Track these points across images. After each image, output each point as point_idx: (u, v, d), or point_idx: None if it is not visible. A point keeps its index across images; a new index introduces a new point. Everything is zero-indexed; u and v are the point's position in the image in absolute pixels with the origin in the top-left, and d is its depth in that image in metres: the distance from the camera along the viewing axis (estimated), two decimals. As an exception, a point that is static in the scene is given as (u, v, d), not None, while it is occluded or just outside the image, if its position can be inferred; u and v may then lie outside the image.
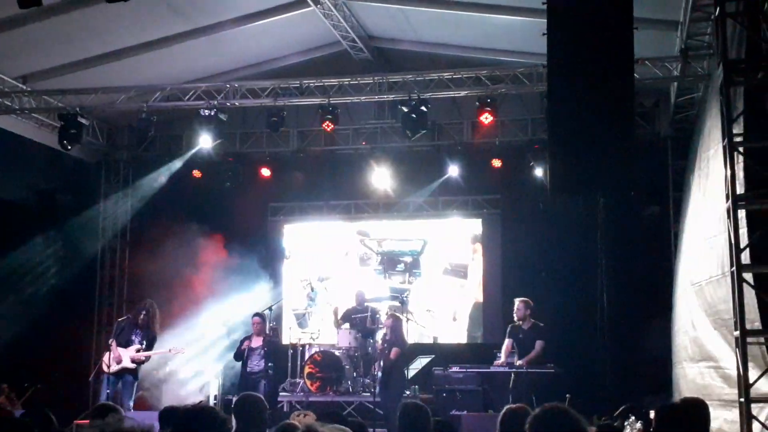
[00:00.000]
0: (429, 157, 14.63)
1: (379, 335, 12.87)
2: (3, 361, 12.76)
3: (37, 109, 13.34)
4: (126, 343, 11.31)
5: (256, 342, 12.16)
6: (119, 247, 15.40)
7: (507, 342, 11.56)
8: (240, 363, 12.25)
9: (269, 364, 12.11)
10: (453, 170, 14.23)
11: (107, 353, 11.27)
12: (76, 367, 13.04)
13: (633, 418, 8.54)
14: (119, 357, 11.16)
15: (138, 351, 11.27)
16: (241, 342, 12.34)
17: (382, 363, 11.90)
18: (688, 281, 10.43)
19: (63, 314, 13.58)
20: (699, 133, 10.98)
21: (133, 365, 11.24)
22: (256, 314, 12.49)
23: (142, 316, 11.46)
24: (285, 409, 12.36)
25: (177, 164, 14.75)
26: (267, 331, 12.56)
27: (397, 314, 12.59)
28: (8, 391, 12.00)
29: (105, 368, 11.19)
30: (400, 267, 15.49)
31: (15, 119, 13.41)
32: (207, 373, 13.49)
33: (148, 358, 11.52)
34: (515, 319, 11.52)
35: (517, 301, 11.62)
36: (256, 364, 12.05)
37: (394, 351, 11.92)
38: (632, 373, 12.94)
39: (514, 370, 11.16)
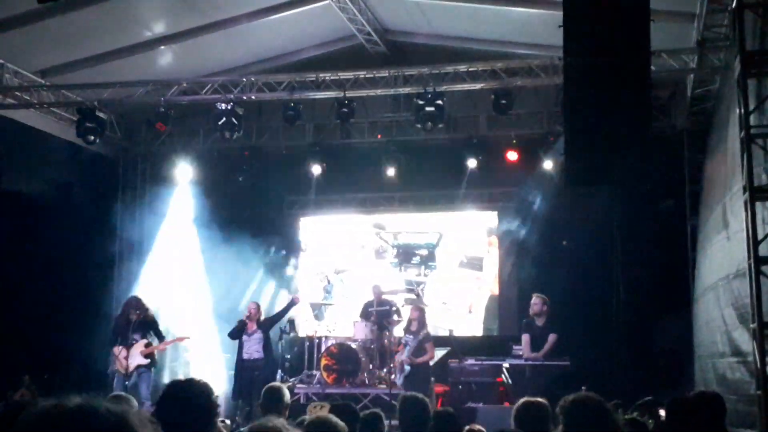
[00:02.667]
0: (444, 151, 14.64)
1: (399, 328, 12.89)
2: (23, 351, 12.89)
3: (55, 104, 13.46)
4: (129, 344, 11.35)
5: (251, 327, 12.26)
6: (136, 242, 15.48)
7: (525, 337, 11.56)
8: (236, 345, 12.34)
9: (272, 348, 12.22)
10: (468, 163, 14.24)
11: (116, 359, 11.30)
12: (92, 360, 13.15)
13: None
14: (128, 359, 11.21)
15: (147, 346, 11.35)
16: (239, 322, 12.35)
17: (408, 358, 11.86)
18: (717, 275, 10.37)
19: (81, 305, 13.69)
20: (719, 125, 10.92)
21: (146, 360, 11.32)
22: (254, 301, 12.62)
23: (134, 314, 11.48)
24: (302, 401, 12.42)
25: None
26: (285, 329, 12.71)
27: (421, 306, 12.61)
28: (29, 381, 12.12)
29: (122, 370, 11.22)
30: (415, 260, 15.52)
31: (34, 113, 13.51)
32: (223, 366, 13.60)
33: (164, 349, 11.61)
34: (530, 313, 11.54)
35: (534, 297, 11.63)
36: (256, 350, 12.09)
37: (431, 348, 11.98)
38: (648, 366, 12.93)
39: (530, 363, 11.18)
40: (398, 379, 11.97)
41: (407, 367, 11.82)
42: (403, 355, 11.97)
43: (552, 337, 11.29)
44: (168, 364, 13.55)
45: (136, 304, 11.69)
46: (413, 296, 14.03)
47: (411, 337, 11.98)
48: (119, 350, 11.25)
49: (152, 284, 14.24)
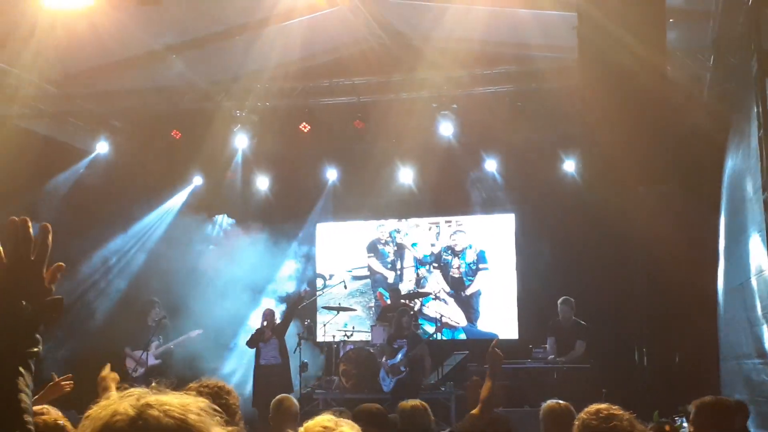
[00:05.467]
0: (461, 154, 14.56)
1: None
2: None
3: (70, 113, 13.48)
4: (146, 346, 11.47)
5: (268, 334, 12.38)
6: (151, 249, 15.47)
7: (550, 340, 11.59)
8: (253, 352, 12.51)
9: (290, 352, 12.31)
10: (485, 166, 14.18)
11: (127, 360, 11.40)
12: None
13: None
14: (143, 360, 11.28)
15: (158, 347, 11.47)
16: (256, 330, 12.55)
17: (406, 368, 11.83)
18: (742, 275, 10.26)
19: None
20: (738, 125, 10.81)
21: (158, 361, 11.41)
22: (268, 308, 12.78)
23: (152, 317, 11.66)
24: (320, 407, 12.40)
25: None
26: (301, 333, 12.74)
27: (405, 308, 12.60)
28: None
29: (132, 373, 11.31)
30: (433, 264, 15.47)
31: (48, 123, 13.56)
32: (237, 372, 13.61)
33: (172, 347, 11.68)
34: (559, 317, 11.58)
35: (561, 300, 11.72)
36: (273, 356, 12.24)
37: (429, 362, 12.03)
38: (672, 368, 12.81)
39: (549, 365, 11.13)
40: (387, 385, 11.89)
41: (403, 370, 11.77)
42: (394, 360, 11.92)
43: (579, 345, 11.29)
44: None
45: (154, 306, 11.87)
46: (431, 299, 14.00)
47: (404, 341, 11.94)
48: (129, 352, 11.34)
49: (165, 289, 14.28)
